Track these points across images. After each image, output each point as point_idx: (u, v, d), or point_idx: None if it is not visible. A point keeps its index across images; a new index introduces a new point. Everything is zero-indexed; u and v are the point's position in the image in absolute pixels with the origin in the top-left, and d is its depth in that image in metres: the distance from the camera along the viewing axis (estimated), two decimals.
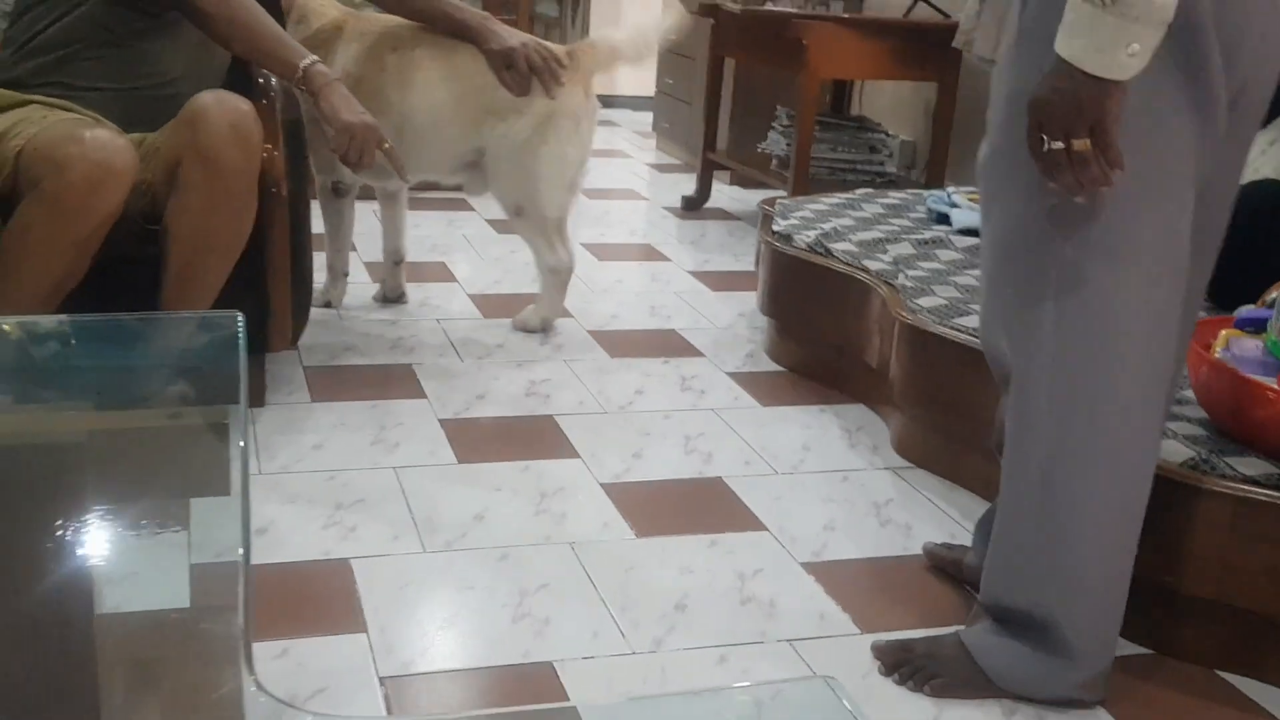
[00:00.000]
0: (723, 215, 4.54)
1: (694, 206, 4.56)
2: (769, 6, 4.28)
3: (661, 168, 5.33)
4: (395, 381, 2.74)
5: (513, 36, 2.85)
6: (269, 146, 2.31)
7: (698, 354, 3.05)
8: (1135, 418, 1.54)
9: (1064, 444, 1.55)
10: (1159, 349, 1.53)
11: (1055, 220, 1.47)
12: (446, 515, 2.16)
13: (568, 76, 2.89)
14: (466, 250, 3.82)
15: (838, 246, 2.84)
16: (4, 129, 2.17)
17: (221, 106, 2.16)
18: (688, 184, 4.85)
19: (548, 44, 2.90)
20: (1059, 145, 1.34)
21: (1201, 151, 1.44)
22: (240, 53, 2.40)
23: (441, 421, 2.55)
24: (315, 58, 2.34)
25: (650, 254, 3.96)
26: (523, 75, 2.82)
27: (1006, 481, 1.64)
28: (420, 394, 2.68)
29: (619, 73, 6.61)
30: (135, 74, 2.32)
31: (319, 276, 2.97)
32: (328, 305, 3.16)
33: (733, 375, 2.92)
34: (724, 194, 4.76)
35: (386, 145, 2.39)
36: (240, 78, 2.53)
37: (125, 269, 2.27)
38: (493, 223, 4.14)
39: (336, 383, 2.72)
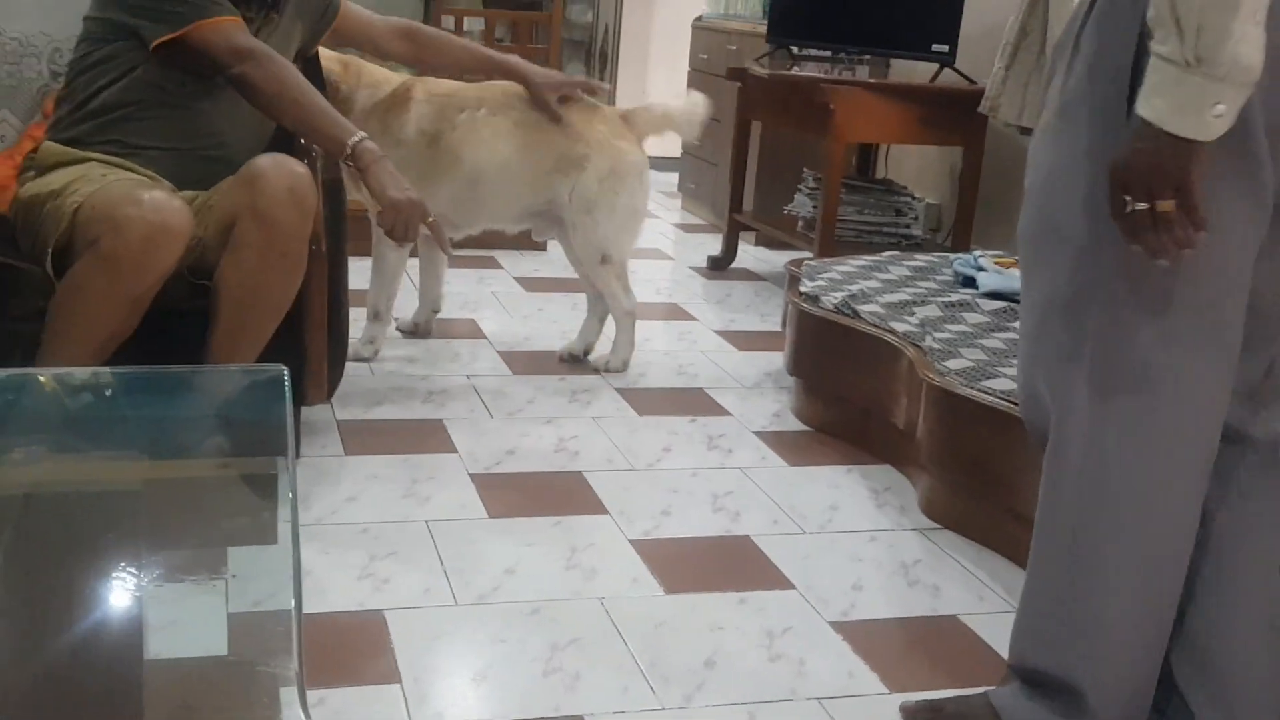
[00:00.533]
0: (748, 275, 4.58)
1: (720, 266, 4.61)
2: (795, 71, 4.35)
3: (687, 228, 5.39)
4: (426, 436, 2.77)
5: (553, 72, 3.16)
6: None
7: (725, 413, 3.08)
8: (1169, 491, 1.54)
9: (1095, 510, 1.55)
10: (1198, 423, 1.52)
11: (1096, 288, 1.48)
12: (478, 569, 2.19)
13: (626, 135, 3.18)
14: (496, 307, 3.87)
15: (865, 308, 2.87)
16: (61, 185, 2.24)
17: (279, 170, 2.23)
18: (713, 244, 4.90)
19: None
20: (1143, 206, 1.34)
21: (1247, 238, 1.43)
22: (289, 126, 2.45)
23: (472, 476, 2.58)
24: (363, 134, 2.38)
25: (677, 313, 4.01)
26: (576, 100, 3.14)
27: (1036, 541, 1.64)
28: (451, 449, 2.72)
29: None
30: (190, 135, 2.39)
31: (354, 331, 3.01)
32: (365, 358, 3.20)
33: (760, 434, 2.95)
34: (749, 254, 4.81)
35: (430, 219, 2.43)
36: (284, 137, 2.60)
37: (172, 321, 2.32)
38: (521, 280, 4.19)
39: (369, 436, 2.75)
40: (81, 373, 1.83)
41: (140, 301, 2.16)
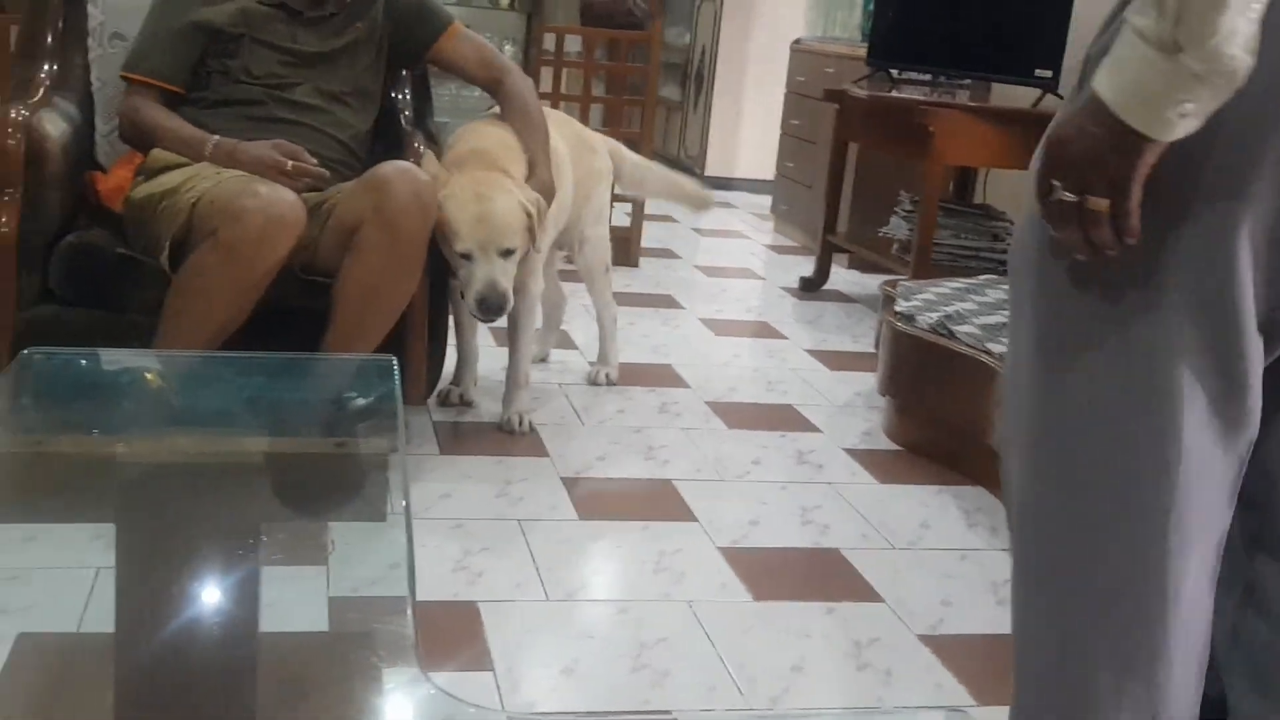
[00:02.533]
0: (840, 297, 4.58)
1: (812, 288, 4.61)
2: (894, 93, 4.35)
3: (779, 249, 5.41)
4: (518, 440, 2.82)
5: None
6: None
7: (814, 429, 3.09)
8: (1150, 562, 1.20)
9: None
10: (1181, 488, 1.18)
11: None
12: (568, 567, 2.22)
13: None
14: (585, 319, 3.90)
15: (961, 329, 2.86)
16: (176, 184, 2.34)
17: (405, 177, 2.32)
18: (805, 266, 4.91)
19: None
20: (1070, 198, 1.11)
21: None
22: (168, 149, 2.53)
23: (563, 479, 2.62)
24: (215, 138, 2.45)
25: (767, 331, 4.02)
26: None
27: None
28: (543, 453, 2.76)
29: (738, 156, 6.76)
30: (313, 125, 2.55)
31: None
32: (453, 400, 3.02)
33: (850, 452, 2.95)
34: (841, 276, 4.81)
35: (290, 165, 2.41)
36: (394, 145, 2.68)
37: (283, 318, 2.40)
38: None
39: (463, 437, 2.81)
40: (202, 357, 1.90)
41: (253, 291, 2.24)
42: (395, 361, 1.60)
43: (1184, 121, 1.04)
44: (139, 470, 1.37)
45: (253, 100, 2.53)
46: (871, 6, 5.74)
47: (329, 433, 1.55)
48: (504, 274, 2.50)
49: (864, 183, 4.87)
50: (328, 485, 1.45)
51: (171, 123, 2.49)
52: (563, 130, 2.98)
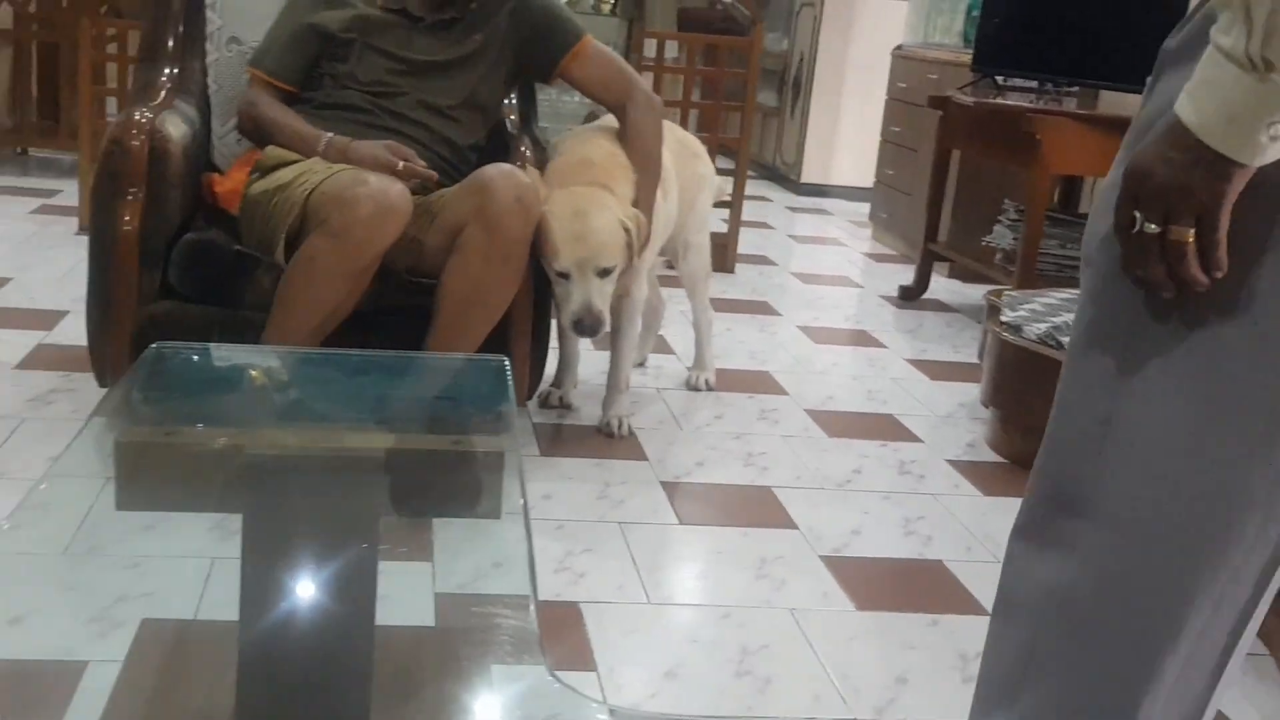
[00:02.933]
0: (940, 307, 4.52)
1: (911, 296, 4.56)
2: (999, 100, 4.29)
3: (877, 257, 5.36)
4: (618, 443, 2.83)
5: None
6: None
7: (916, 440, 3.05)
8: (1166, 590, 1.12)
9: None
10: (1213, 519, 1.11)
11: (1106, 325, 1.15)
12: (669, 571, 2.22)
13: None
14: (682, 325, 3.91)
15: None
16: (290, 179, 2.39)
17: (508, 180, 2.36)
18: (904, 274, 4.86)
19: None
20: (1153, 229, 1.04)
21: None
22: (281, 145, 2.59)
23: (662, 483, 2.62)
24: (329, 135, 2.50)
25: (866, 340, 3.98)
26: None
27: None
28: (641, 456, 2.77)
29: (835, 163, 6.72)
30: (414, 137, 2.58)
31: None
32: (553, 402, 3.02)
33: (952, 463, 2.91)
34: (941, 285, 4.75)
35: (401, 166, 2.44)
36: (500, 149, 2.70)
37: (388, 317, 2.45)
38: (710, 301, 4.22)
39: (563, 439, 2.83)
40: (321, 354, 1.94)
41: (362, 277, 2.30)
42: (506, 361, 1.61)
43: (1276, 144, 0.99)
44: (266, 462, 1.40)
45: (357, 107, 2.57)
46: (975, 12, 5.68)
47: (445, 430, 1.57)
48: (600, 294, 2.50)
49: (966, 191, 4.81)
50: (444, 482, 1.47)
51: (287, 119, 2.55)
52: (665, 138, 2.97)
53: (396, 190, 2.29)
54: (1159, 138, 1.04)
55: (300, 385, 1.69)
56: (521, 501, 1.28)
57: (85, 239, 4.16)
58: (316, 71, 2.63)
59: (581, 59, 2.70)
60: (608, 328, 2.57)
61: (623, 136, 2.73)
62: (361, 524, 1.38)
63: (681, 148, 3.08)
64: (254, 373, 1.74)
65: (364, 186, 2.26)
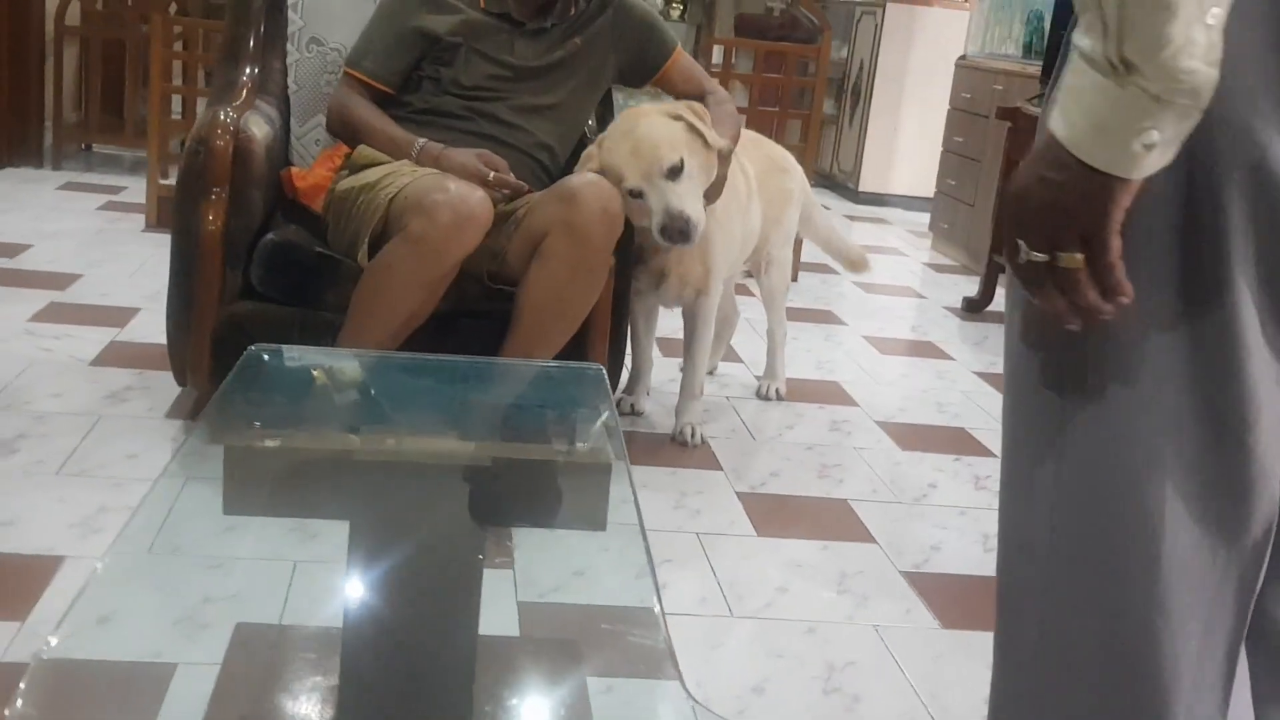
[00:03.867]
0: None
1: (976, 308, 4.51)
2: None
3: (938, 268, 5.31)
4: (691, 452, 2.80)
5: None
6: None
7: (990, 454, 3.01)
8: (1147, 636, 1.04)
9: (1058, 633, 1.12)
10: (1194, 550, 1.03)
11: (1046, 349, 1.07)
12: (750, 584, 2.19)
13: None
14: (750, 334, 3.89)
15: None
16: (376, 180, 2.39)
17: (594, 189, 2.36)
18: (966, 285, 4.81)
19: None
20: (1040, 257, 0.95)
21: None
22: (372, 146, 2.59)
23: (738, 494, 2.60)
24: (422, 140, 2.49)
25: (933, 351, 3.94)
26: None
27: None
28: (716, 466, 2.74)
29: (894, 172, 6.67)
30: (510, 143, 2.59)
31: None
32: (624, 409, 3.00)
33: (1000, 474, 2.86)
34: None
35: (491, 176, 2.43)
36: (579, 151, 2.69)
37: (469, 322, 2.44)
38: None
39: (638, 447, 2.80)
40: (419, 360, 1.93)
41: (440, 284, 2.29)
42: (604, 370, 1.59)
43: (1152, 153, 0.89)
44: (373, 469, 1.39)
45: (455, 114, 2.56)
46: (1037, 23, 5.63)
47: (548, 439, 1.55)
48: (678, 196, 2.43)
49: None
50: (551, 492, 1.45)
51: (380, 121, 2.55)
52: (751, 152, 2.94)
53: (477, 198, 2.28)
54: (1034, 155, 0.96)
55: (399, 391, 1.67)
56: (636, 515, 1.26)
57: (152, 235, 4.22)
58: (416, 75, 2.62)
59: (677, 66, 2.76)
60: (700, 226, 2.44)
61: (711, 106, 2.73)
62: (466, 533, 1.37)
63: (770, 162, 3.06)
64: (342, 376, 1.73)
65: (444, 194, 2.25)
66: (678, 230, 2.41)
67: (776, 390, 3.25)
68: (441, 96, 2.57)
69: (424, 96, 2.59)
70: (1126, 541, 1.01)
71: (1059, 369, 1.04)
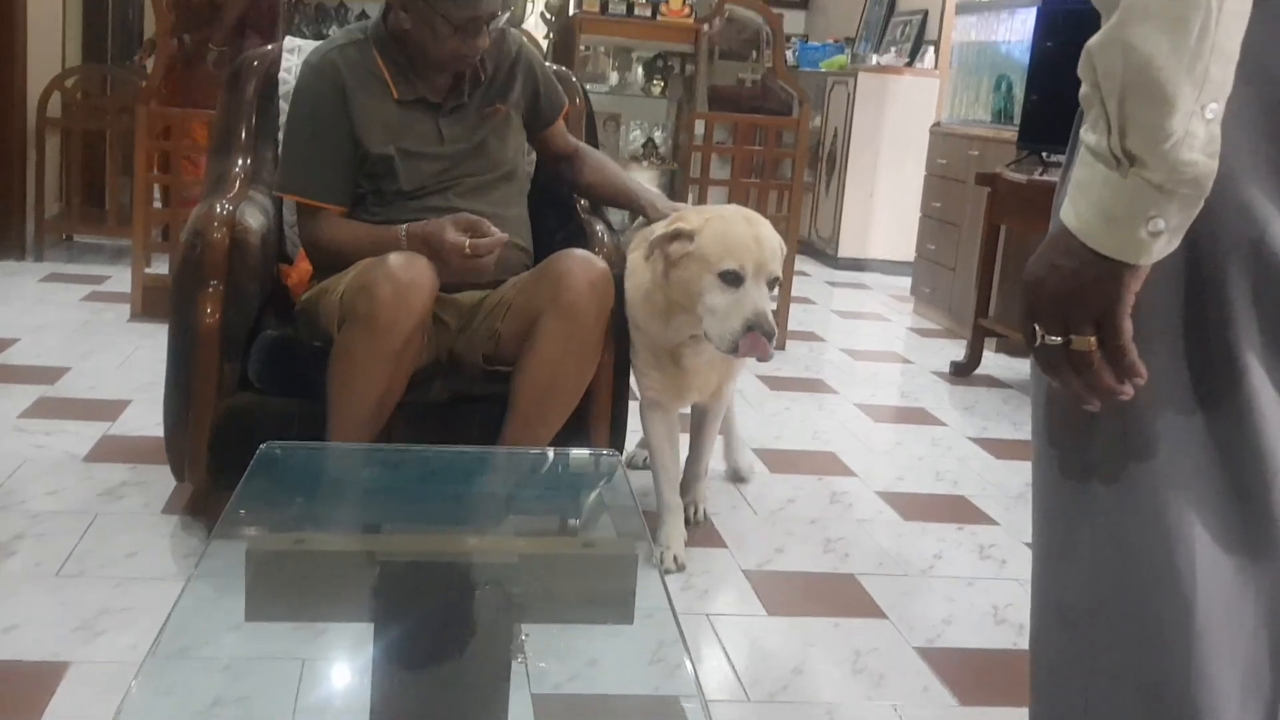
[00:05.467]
0: (994, 383, 4.49)
1: (963, 372, 4.53)
2: (1045, 176, 4.29)
3: (922, 332, 5.34)
4: (694, 529, 2.78)
5: (664, 200, 2.83)
6: None
7: (992, 522, 3.00)
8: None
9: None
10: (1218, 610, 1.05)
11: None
12: (764, 666, 2.17)
13: None
14: (744, 407, 3.89)
15: None
16: (334, 282, 2.38)
17: (582, 266, 2.34)
18: (951, 349, 4.84)
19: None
20: (1056, 340, 1.00)
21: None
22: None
23: (745, 572, 2.58)
24: (402, 228, 2.40)
25: (925, 417, 3.95)
26: None
27: None
28: (720, 543, 2.72)
29: (872, 237, 6.72)
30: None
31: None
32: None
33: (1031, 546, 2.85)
34: (992, 361, 4.72)
35: (466, 247, 2.34)
36: (576, 233, 2.70)
37: (471, 406, 2.43)
38: (764, 379, 4.20)
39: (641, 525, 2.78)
40: (432, 451, 1.92)
41: (401, 358, 2.25)
42: (620, 456, 1.58)
43: (1158, 240, 0.94)
44: (394, 568, 1.37)
45: (408, 220, 2.45)
46: (1007, 89, 5.72)
47: (568, 530, 1.54)
48: (769, 306, 2.34)
49: (1014, 266, 4.79)
50: (575, 585, 1.44)
51: (357, 232, 2.46)
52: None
53: (419, 266, 2.25)
54: (1047, 245, 1.01)
55: (417, 486, 1.66)
56: (668, 605, 1.24)
57: (139, 325, 4.19)
58: (357, 191, 2.52)
59: (562, 122, 2.77)
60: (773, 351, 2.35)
61: (588, 162, 2.78)
62: (492, 631, 1.35)
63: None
64: (358, 473, 1.71)
65: (382, 268, 2.22)
66: (764, 333, 2.30)
67: (702, 511, 2.84)
68: (388, 207, 2.49)
69: (370, 209, 2.51)
70: (1161, 611, 1.05)
71: (1083, 446, 1.08)
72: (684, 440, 2.83)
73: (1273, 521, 1.03)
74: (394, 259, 2.25)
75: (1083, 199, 0.96)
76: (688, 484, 2.84)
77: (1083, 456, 1.08)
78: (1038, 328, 1.01)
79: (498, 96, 2.60)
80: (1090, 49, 0.93)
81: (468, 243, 2.35)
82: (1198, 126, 0.91)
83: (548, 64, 2.84)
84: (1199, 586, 1.03)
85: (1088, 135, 0.95)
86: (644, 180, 5.19)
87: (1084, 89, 0.95)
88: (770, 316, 2.34)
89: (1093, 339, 0.99)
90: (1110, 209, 0.94)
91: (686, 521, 2.75)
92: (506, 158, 2.61)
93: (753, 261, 2.35)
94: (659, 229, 2.48)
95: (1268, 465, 1.02)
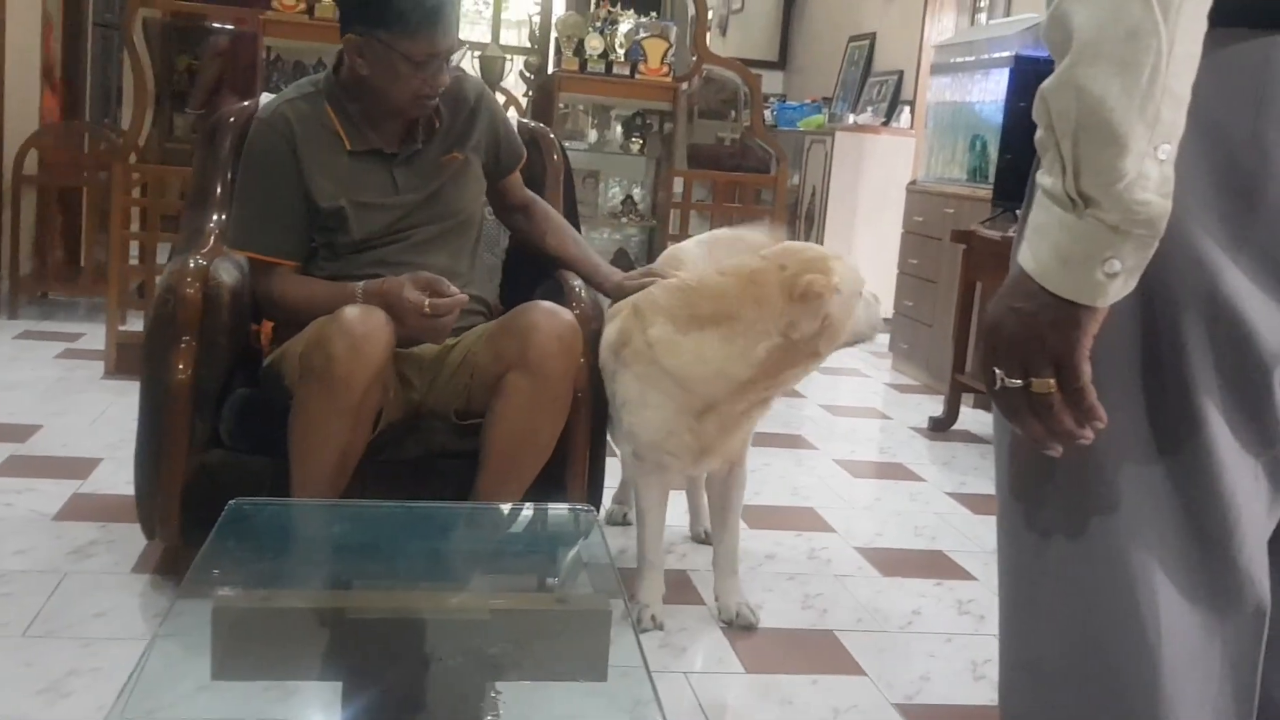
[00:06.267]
0: (972, 438, 4.49)
1: (941, 428, 4.53)
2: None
3: (900, 388, 5.34)
4: (672, 587, 2.75)
5: (616, 272, 2.77)
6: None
7: (970, 577, 2.99)
8: None
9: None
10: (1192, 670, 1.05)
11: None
12: None
13: None
14: None
15: None
16: (292, 344, 2.38)
17: (550, 320, 2.32)
18: (930, 405, 4.84)
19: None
20: (1016, 383, 1.00)
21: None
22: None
23: (722, 629, 2.55)
24: (358, 286, 2.36)
25: (903, 473, 3.94)
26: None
27: None
28: (699, 600, 2.70)
29: None
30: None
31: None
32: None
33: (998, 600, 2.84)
34: (970, 416, 4.73)
35: (425, 305, 2.32)
36: (554, 288, 2.69)
37: (444, 463, 2.41)
38: None
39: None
40: (404, 507, 1.89)
41: (360, 412, 2.22)
42: (596, 511, 1.56)
43: (1115, 281, 0.95)
44: (364, 626, 1.35)
45: (359, 275, 2.43)
46: (981, 148, 5.78)
47: (543, 585, 1.51)
48: None
49: None
50: (550, 642, 1.41)
51: (313, 289, 2.42)
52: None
53: (375, 320, 2.22)
54: (1006, 289, 1.01)
55: (389, 543, 1.63)
56: (641, 662, 1.22)
57: (112, 382, 4.16)
58: (311, 244, 2.51)
59: (518, 174, 2.75)
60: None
61: (546, 224, 2.75)
62: (463, 691, 1.32)
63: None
64: (329, 530, 1.69)
65: (336, 323, 2.20)
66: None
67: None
68: (340, 260, 2.47)
69: (321, 264, 2.49)
70: (1127, 661, 1.05)
71: (1046, 495, 1.08)
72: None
73: (1235, 569, 1.03)
74: (349, 312, 2.23)
75: (1040, 242, 0.97)
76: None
77: (1045, 508, 1.08)
78: (998, 371, 1.01)
79: (455, 144, 2.57)
80: (1044, 92, 0.94)
81: (427, 302, 2.31)
82: (1151, 167, 0.91)
83: (525, 119, 2.84)
84: (1164, 636, 1.03)
85: (1043, 178, 0.95)
86: (624, 237, 5.23)
87: (1039, 133, 0.96)
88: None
89: (1052, 381, 0.99)
90: (1066, 251, 0.94)
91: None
92: (463, 206, 2.58)
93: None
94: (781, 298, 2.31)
95: (1228, 513, 1.02)
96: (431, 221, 2.54)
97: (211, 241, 2.70)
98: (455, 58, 2.50)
